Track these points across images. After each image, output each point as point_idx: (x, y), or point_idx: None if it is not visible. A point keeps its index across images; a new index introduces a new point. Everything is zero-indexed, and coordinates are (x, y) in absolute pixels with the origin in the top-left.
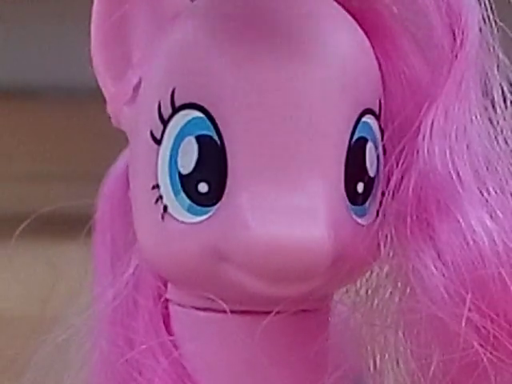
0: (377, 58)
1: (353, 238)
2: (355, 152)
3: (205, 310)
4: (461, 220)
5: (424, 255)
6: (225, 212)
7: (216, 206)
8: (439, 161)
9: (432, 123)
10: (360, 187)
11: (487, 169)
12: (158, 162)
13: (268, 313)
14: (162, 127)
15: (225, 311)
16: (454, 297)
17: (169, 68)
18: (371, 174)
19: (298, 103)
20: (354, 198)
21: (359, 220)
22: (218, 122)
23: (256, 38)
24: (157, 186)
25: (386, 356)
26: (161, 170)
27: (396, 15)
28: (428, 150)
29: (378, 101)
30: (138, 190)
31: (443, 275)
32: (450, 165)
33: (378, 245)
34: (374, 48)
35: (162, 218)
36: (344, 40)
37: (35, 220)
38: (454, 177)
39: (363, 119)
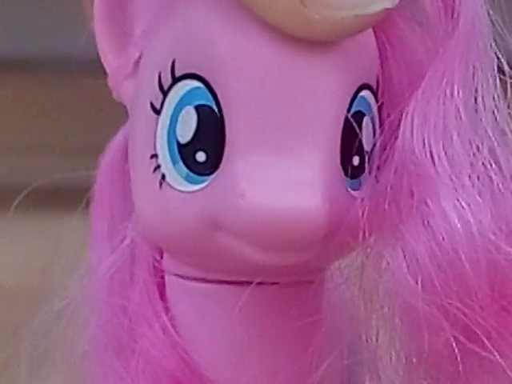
0: (375, 35)
1: (347, 210)
2: (351, 126)
3: (200, 280)
4: (432, 205)
5: (393, 239)
6: (221, 181)
7: (213, 176)
8: (416, 144)
9: (415, 105)
10: (355, 160)
11: (466, 159)
12: (157, 131)
13: (263, 284)
14: (161, 97)
15: (220, 281)
16: (423, 282)
17: (170, 40)
18: (367, 148)
19: (296, 77)
20: (350, 171)
21: (354, 193)
22: (217, 92)
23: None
24: (155, 156)
25: (379, 329)
26: (160, 140)
27: None
28: (407, 132)
29: (375, 77)
30: (136, 160)
31: (411, 260)
32: (427, 149)
33: (370, 219)
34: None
35: (160, 186)
36: None
37: (35, 192)
38: (429, 162)
39: (361, 94)
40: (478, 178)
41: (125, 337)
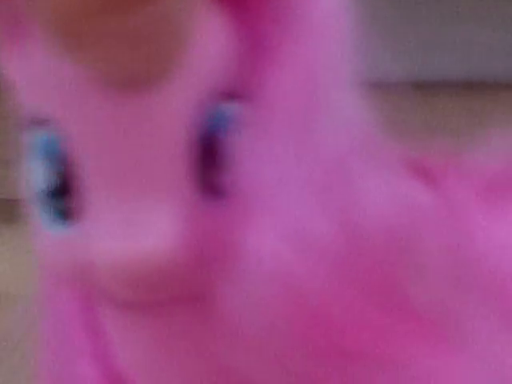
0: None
1: (218, 228)
2: (207, 143)
3: (112, 307)
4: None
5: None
6: (81, 227)
7: (76, 221)
8: (243, 168)
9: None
10: (217, 176)
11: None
12: (28, 172)
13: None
14: (26, 139)
15: (124, 308)
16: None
17: (27, 85)
18: (229, 161)
19: (129, 125)
20: (211, 189)
21: (218, 210)
22: (68, 137)
23: None
24: (33, 196)
25: None
26: (31, 183)
27: None
28: (241, 153)
29: (233, 80)
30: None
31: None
32: (251, 175)
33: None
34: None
35: (41, 229)
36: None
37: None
38: (250, 187)
39: (211, 109)
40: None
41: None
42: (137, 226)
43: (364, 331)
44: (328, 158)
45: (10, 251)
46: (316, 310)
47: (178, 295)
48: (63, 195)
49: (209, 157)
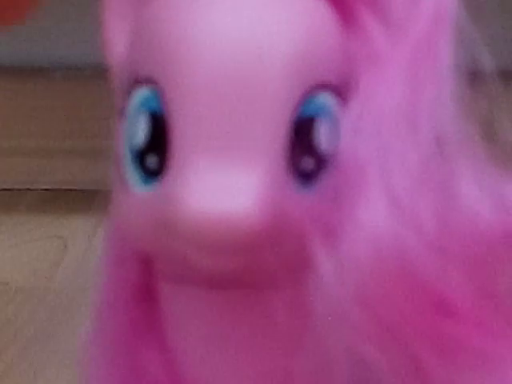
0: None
1: (294, 214)
2: (301, 129)
3: (178, 281)
4: (362, 209)
5: (330, 244)
6: (167, 186)
7: (162, 180)
8: (353, 146)
9: (354, 106)
10: (308, 164)
11: (400, 163)
12: (122, 135)
13: (235, 288)
14: (124, 99)
15: (194, 283)
16: (355, 289)
17: (132, 43)
18: (322, 150)
19: (239, 86)
20: (301, 175)
21: (306, 197)
22: (169, 99)
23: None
24: (121, 160)
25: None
26: (123, 144)
27: None
28: (346, 133)
29: (338, 75)
30: (113, 163)
31: (337, 270)
32: (361, 152)
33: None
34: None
35: (124, 190)
36: (277, 15)
37: (43, 194)
38: (361, 164)
39: (314, 96)
40: (414, 181)
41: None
42: (226, 189)
43: (473, 321)
44: (427, 154)
45: (10, 240)
46: (429, 294)
47: (251, 270)
48: (155, 153)
49: (301, 142)
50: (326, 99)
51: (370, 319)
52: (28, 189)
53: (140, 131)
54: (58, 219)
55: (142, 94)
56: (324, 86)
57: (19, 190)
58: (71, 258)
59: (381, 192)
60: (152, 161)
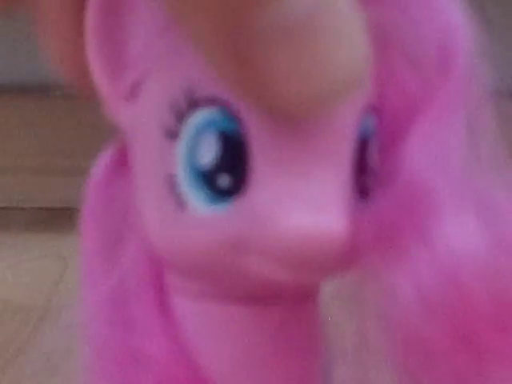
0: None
1: (360, 230)
2: (360, 146)
3: (207, 299)
4: (434, 230)
5: (396, 261)
6: (248, 204)
7: (237, 199)
8: (420, 170)
9: (418, 134)
10: (364, 182)
11: (467, 186)
12: (174, 153)
13: (270, 303)
14: (176, 121)
15: (228, 301)
16: (425, 304)
17: (181, 63)
18: (372, 168)
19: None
20: (360, 191)
21: (364, 214)
22: (238, 115)
23: None
24: (172, 178)
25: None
26: (179, 163)
27: (389, 23)
28: (411, 158)
29: (375, 98)
30: (148, 182)
31: (414, 282)
32: (430, 176)
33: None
34: None
35: (179, 208)
36: None
37: (44, 212)
38: (431, 188)
39: (367, 116)
40: (480, 204)
41: (127, 354)
42: (316, 204)
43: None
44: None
45: (11, 259)
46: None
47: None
48: (227, 172)
49: (360, 161)
50: (371, 119)
51: (450, 336)
52: (30, 207)
53: (207, 152)
54: (58, 238)
55: (206, 114)
56: (371, 108)
57: (19, 208)
58: (71, 276)
59: (465, 210)
60: (224, 180)
